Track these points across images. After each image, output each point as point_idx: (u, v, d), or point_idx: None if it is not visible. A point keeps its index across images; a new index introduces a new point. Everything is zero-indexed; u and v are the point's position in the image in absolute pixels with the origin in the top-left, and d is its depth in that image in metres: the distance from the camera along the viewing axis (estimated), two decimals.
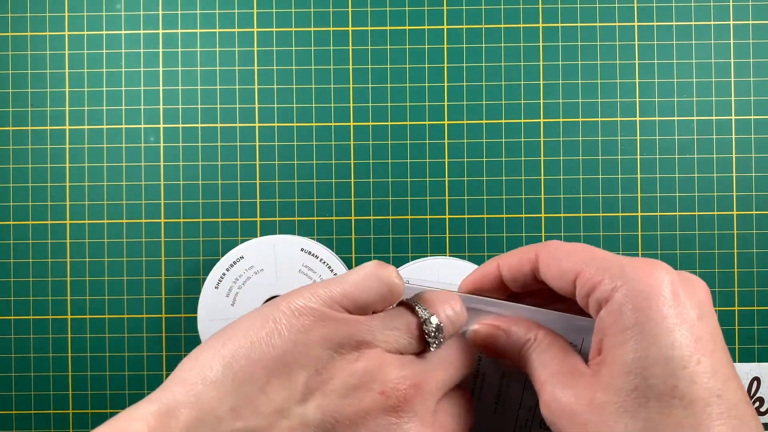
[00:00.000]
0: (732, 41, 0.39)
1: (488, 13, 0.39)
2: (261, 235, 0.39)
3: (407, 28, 0.40)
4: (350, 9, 0.40)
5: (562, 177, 0.39)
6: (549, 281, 0.22)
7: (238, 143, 0.39)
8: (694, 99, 0.39)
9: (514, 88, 0.39)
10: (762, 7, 0.39)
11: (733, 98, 0.39)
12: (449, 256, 0.39)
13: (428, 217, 0.39)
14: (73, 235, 0.39)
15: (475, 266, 0.37)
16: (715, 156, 0.39)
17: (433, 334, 0.22)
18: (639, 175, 0.39)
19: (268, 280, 0.37)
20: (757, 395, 0.39)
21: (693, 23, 0.39)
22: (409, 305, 0.22)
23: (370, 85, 0.39)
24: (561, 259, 0.21)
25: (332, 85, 0.40)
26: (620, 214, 0.39)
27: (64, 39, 0.40)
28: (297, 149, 0.39)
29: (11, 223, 0.39)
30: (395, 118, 0.39)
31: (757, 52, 0.39)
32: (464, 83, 0.39)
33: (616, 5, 0.39)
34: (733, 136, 0.39)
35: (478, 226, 0.39)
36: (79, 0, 0.40)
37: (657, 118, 0.39)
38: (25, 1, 0.40)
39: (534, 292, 0.24)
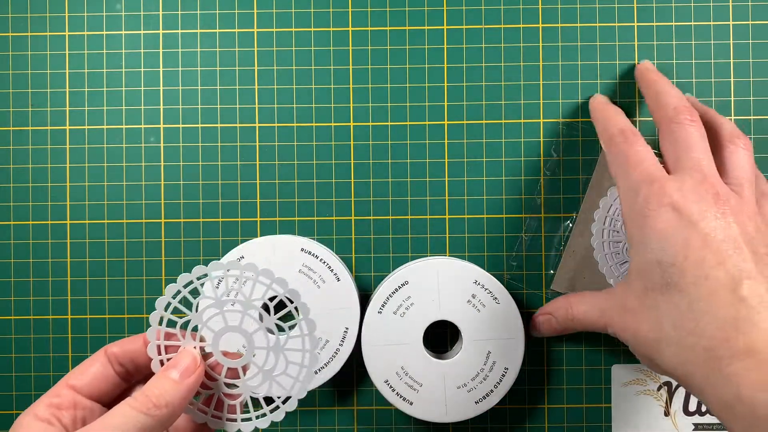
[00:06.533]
0: (732, 41, 0.39)
1: (488, 13, 0.40)
2: (261, 235, 0.39)
3: (407, 28, 0.40)
4: (350, 9, 0.40)
5: (561, 177, 0.39)
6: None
7: (238, 143, 0.40)
8: None
9: (514, 88, 0.39)
10: (762, 7, 0.39)
11: (732, 98, 0.39)
12: (449, 256, 0.39)
13: (428, 217, 0.39)
14: (73, 235, 0.39)
15: (475, 266, 0.37)
16: None
17: None
18: None
19: None
20: None
21: (692, 23, 0.39)
22: None
23: (370, 85, 0.40)
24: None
25: (332, 86, 0.40)
26: None
27: (65, 39, 0.40)
28: (297, 149, 0.39)
29: (11, 223, 0.40)
30: (395, 118, 0.40)
31: (756, 53, 0.39)
32: (464, 83, 0.39)
33: (616, 5, 0.39)
34: None
35: (478, 226, 0.39)
36: (79, 0, 0.40)
37: None
38: (25, 1, 0.40)
39: None
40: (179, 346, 0.29)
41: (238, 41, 0.40)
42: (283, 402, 0.30)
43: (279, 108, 0.40)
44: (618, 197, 0.36)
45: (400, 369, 0.37)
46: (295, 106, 0.40)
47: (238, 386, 0.30)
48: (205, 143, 0.40)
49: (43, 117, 0.40)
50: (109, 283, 0.39)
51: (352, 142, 0.40)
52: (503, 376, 0.36)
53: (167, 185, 0.40)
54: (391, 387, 0.37)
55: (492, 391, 0.36)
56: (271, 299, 0.29)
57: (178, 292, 0.29)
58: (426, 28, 0.40)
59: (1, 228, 0.40)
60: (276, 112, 0.40)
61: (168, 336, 0.29)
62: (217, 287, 0.31)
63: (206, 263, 0.39)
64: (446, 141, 0.39)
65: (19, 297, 0.40)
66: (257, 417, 0.30)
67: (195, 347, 0.29)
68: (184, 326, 0.29)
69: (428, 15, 0.40)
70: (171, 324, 0.29)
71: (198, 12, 0.40)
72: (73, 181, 0.40)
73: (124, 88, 0.40)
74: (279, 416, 0.30)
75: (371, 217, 0.39)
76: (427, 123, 0.39)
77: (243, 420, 0.30)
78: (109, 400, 0.29)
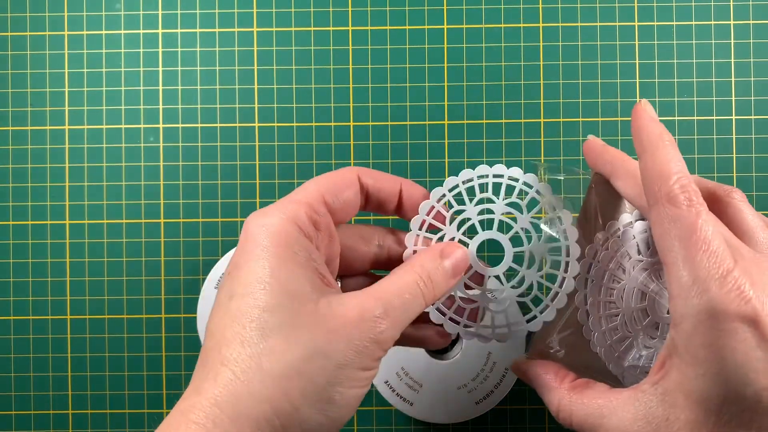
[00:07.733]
0: (732, 41, 0.39)
1: (488, 13, 0.39)
2: None
3: (407, 28, 0.40)
4: (350, 9, 0.39)
5: (563, 177, 0.39)
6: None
7: (237, 143, 0.39)
8: (695, 99, 0.39)
9: (514, 88, 0.39)
10: (762, 7, 0.39)
11: (733, 98, 0.39)
12: None
13: None
14: (72, 235, 0.39)
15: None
16: (715, 156, 0.39)
17: None
18: None
19: None
20: None
21: (693, 23, 0.39)
22: None
23: (370, 85, 0.39)
24: None
25: (332, 85, 0.39)
26: None
27: (64, 39, 0.40)
28: (297, 149, 0.39)
29: (11, 223, 0.39)
30: (395, 118, 0.39)
31: (757, 52, 0.39)
32: (464, 83, 0.39)
33: (617, 5, 0.39)
34: (734, 136, 0.39)
35: None
36: (78, 0, 0.40)
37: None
38: (24, 1, 0.40)
39: None
40: (439, 230, 0.28)
41: (238, 41, 0.40)
42: (541, 312, 0.27)
43: (279, 108, 0.40)
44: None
45: (400, 369, 0.36)
46: (294, 105, 0.40)
47: (477, 293, 0.28)
48: (205, 143, 0.40)
49: (42, 117, 0.40)
50: (108, 284, 0.39)
51: (352, 142, 0.39)
52: (503, 376, 0.36)
53: (166, 185, 0.39)
54: (391, 387, 0.37)
55: (492, 391, 0.36)
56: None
57: (456, 186, 0.28)
58: (426, 27, 0.39)
59: (1, 228, 0.40)
60: (276, 112, 0.40)
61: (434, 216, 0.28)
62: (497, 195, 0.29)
63: (206, 264, 0.39)
64: (446, 141, 0.39)
65: (18, 297, 0.39)
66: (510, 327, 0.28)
67: (454, 238, 0.28)
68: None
69: (428, 15, 0.39)
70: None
71: (197, 11, 0.40)
72: (72, 181, 0.39)
73: (123, 88, 0.40)
74: (536, 326, 0.27)
75: (371, 218, 0.39)
76: (427, 123, 0.39)
77: (497, 330, 0.27)
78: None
